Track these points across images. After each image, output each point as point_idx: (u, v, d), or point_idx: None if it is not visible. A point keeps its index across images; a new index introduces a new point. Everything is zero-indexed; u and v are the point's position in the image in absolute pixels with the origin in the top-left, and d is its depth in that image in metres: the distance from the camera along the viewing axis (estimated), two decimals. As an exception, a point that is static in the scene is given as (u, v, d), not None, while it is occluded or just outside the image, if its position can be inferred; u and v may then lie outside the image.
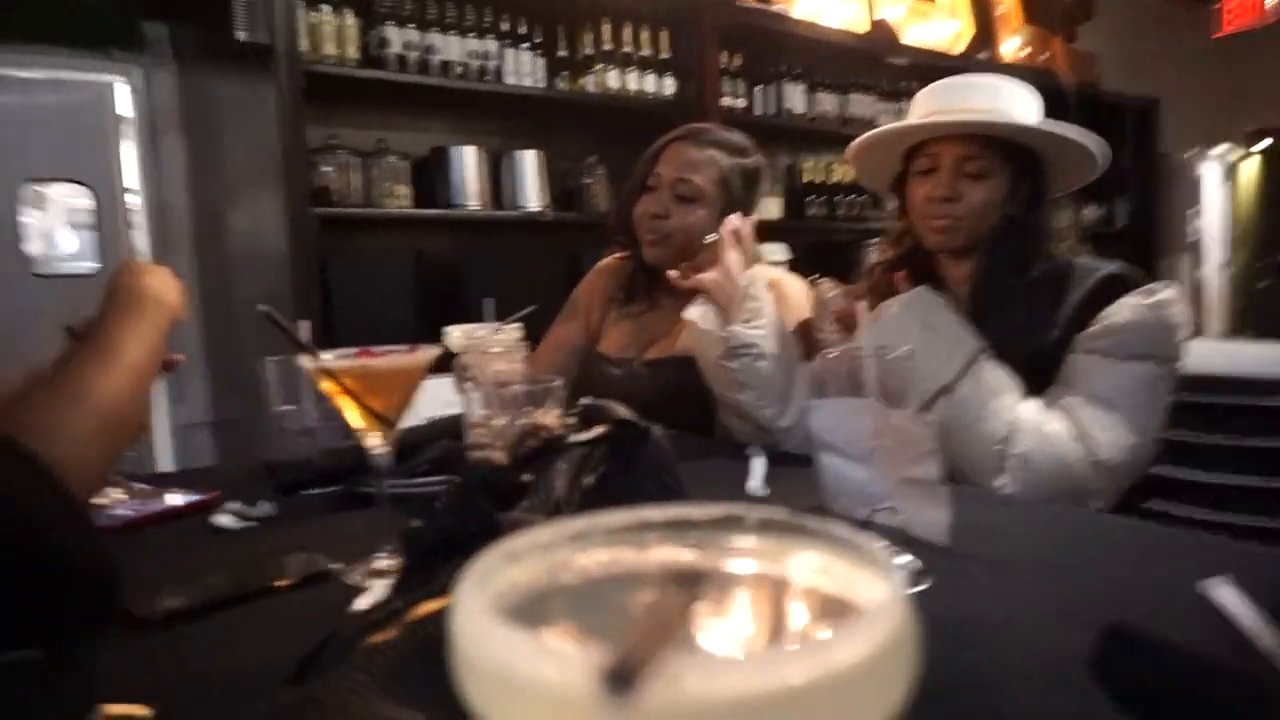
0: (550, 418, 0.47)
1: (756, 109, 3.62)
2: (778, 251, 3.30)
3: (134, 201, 3.06)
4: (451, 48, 2.88)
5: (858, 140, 1.38)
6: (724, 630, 0.24)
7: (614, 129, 3.25)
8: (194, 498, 1.06)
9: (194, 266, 3.14)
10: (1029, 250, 1.27)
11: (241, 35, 2.40)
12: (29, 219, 2.91)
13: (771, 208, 3.64)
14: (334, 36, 2.65)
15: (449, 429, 1.02)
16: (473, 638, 0.18)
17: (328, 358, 0.75)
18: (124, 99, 3.01)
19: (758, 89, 3.63)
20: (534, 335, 1.32)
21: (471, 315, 2.90)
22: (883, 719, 0.18)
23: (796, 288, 1.57)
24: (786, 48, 3.65)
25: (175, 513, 1.03)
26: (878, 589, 0.22)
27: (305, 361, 0.76)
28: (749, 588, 0.23)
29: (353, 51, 2.69)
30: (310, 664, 0.38)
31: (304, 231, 2.51)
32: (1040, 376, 1.22)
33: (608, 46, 3.18)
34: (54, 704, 0.55)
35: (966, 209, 1.27)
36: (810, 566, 0.23)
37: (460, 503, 0.45)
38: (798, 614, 0.23)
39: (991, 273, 1.28)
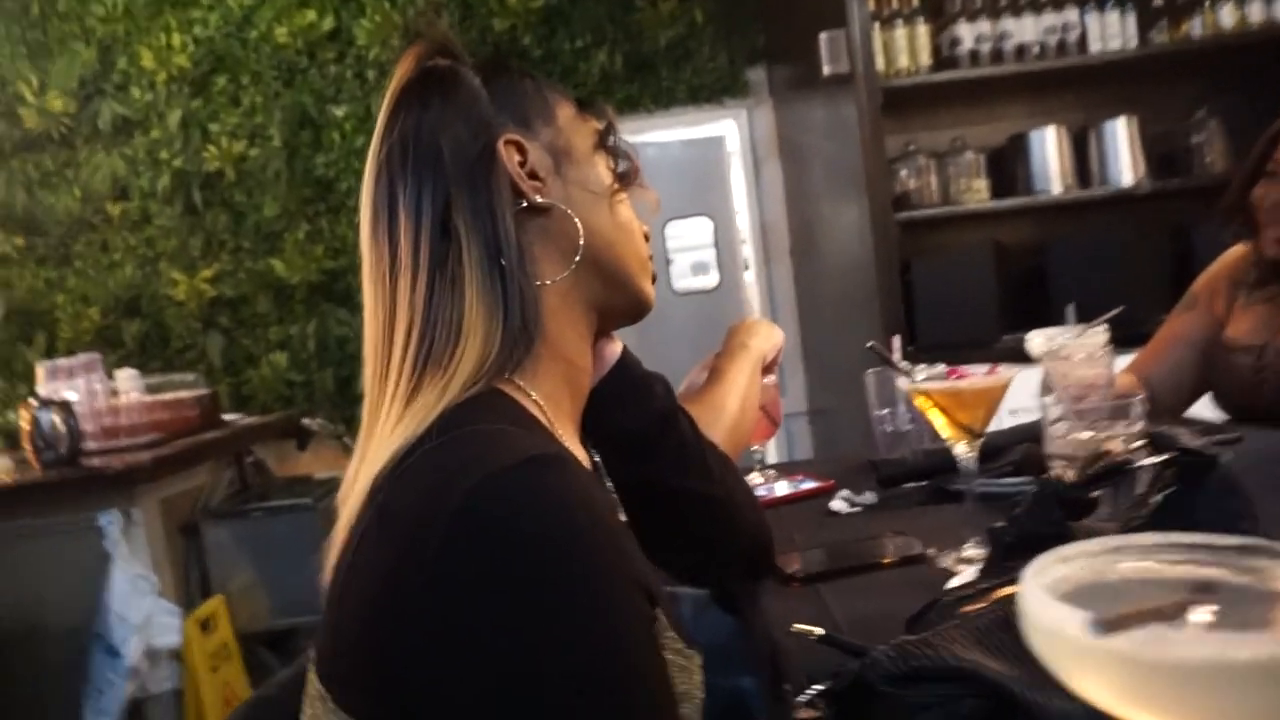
0: (1117, 444, 0.53)
1: None
2: None
3: (742, 223, 3.67)
4: (1026, 29, 2.81)
5: None
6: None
7: (1230, 74, 2.84)
8: (814, 484, 1.30)
9: (790, 275, 3.63)
10: None
11: (826, 69, 2.68)
12: (672, 249, 3.68)
13: None
14: (907, 48, 2.80)
15: (1031, 434, 1.09)
16: (1031, 606, 0.29)
17: (920, 378, 0.89)
18: (733, 138, 3.63)
19: None
20: (1123, 334, 1.29)
21: (1058, 307, 2.79)
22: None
23: None
24: None
25: (801, 496, 1.28)
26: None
27: (901, 382, 0.91)
28: (1253, 601, 0.30)
29: (925, 59, 2.80)
30: (919, 619, 0.53)
31: (886, 236, 2.70)
32: None
33: (1219, -21, 2.78)
34: (745, 628, 0.79)
35: None
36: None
37: (1036, 510, 0.55)
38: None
39: None
